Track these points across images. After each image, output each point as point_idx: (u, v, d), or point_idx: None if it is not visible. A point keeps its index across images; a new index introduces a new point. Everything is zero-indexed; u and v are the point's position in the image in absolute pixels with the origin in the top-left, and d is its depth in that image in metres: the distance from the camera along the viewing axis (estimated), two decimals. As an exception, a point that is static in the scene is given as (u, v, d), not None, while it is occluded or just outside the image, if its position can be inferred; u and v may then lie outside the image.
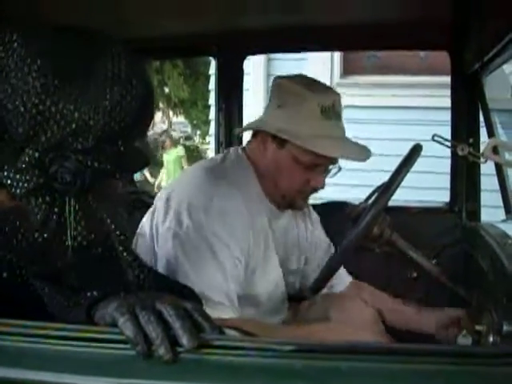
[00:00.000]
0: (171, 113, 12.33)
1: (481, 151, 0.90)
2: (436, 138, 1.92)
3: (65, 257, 0.93)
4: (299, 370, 0.76)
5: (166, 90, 10.36)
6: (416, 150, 1.75)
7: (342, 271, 1.88)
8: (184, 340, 0.76)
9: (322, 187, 1.67)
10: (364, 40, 2.18)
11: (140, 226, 1.64)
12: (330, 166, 1.66)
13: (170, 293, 1.00)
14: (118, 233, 1.01)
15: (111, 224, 1.00)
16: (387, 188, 1.70)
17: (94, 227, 0.97)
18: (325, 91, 1.65)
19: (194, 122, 11.49)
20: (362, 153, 1.66)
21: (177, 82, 9.79)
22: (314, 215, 1.90)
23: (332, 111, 1.61)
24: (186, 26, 2.03)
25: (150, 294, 0.89)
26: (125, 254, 1.03)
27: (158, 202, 1.60)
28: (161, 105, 10.99)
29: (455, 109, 2.14)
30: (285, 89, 1.63)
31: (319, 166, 1.62)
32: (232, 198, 1.54)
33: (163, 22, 1.96)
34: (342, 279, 1.90)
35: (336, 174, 1.68)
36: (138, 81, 0.94)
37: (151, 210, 1.62)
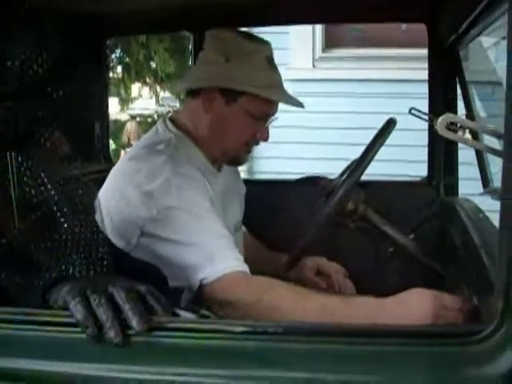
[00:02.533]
0: (158, 88, 12.20)
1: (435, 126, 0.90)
2: (413, 112, 1.91)
3: (10, 220, 0.91)
4: (252, 351, 0.76)
5: (153, 65, 10.25)
6: (389, 124, 1.74)
7: None
8: (134, 323, 0.75)
9: (267, 139, 1.72)
10: (341, 13, 2.15)
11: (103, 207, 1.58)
12: (270, 119, 1.71)
13: (133, 271, 1.00)
14: (56, 198, 0.99)
15: (52, 188, 0.98)
16: (360, 163, 1.69)
17: (36, 187, 0.95)
18: (264, 42, 1.70)
19: (181, 96, 11.38)
20: (297, 101, 1.73)
21: (163, 57, 9.68)
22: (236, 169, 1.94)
23: (273, 61, 1.68)
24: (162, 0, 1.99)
25: (104, 277, 0.88)
26: (65, 224, 1.01)
27: (123, 201, 1.53)
28: (148, 80, 10.87)
29: (432, 82, 2.12)
30: (230, 43, 1.64)
31: (268, 117, 1.68)
32: (183, 170, 1.53)
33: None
34: None
35: (272, 121, 1.72)
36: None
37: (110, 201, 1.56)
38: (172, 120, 1.70)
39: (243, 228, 2.03)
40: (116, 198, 1.54)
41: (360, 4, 1.97)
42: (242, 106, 1.62)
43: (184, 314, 0.95)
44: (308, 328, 0.78)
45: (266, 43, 1.70)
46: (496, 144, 1.05)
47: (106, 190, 1.59)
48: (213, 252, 1.43)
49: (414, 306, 1.28)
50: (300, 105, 1.73)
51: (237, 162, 1.76)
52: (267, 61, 1.65)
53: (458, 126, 0.97)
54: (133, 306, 0.76)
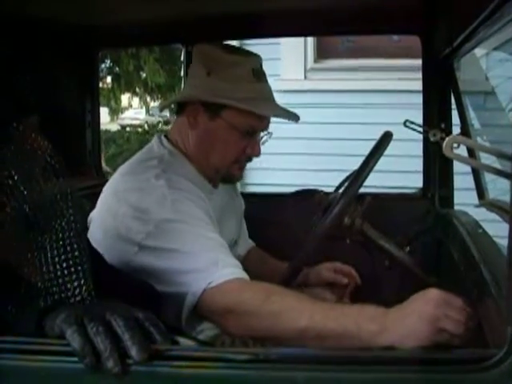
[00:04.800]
0: (148, 98, 12.20)
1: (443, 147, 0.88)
2: (408, 124, 1.90)
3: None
4: (254, 380, 0.74)
5: (143, 75, 10.26)
6: (386, 138, 1.72)
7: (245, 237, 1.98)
8: (133, 352, 0.73)
9: (258, 155, 1.67)
10: (334, 25, 2.14)
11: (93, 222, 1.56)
12: (262, 134, 1.67)
13: (126, 289, 0.98)
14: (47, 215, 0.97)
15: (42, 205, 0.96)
16: (357, 177, 1.68)
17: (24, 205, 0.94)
18: (251, 55, 1.67)
19: (172, 106, 11.39)
20: (292, 114, 1.70)
21: (153, 67, 9.70)
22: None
23: (261, 73, 1.64)
24: (154, 13, 1.98)
25: (101, 304, 0.86)
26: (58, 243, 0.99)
27: (109, 218, 1.51)
28: (138, 90, 10.88)
29: (427, 94, 2.11)
30: (212, 56, 1.62)
31: (254, 131, 1.63)
32: (178, 184, 1.51)
33: (131, 9, 1.90)
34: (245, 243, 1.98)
35: (267, 140, 1.69)
36: None
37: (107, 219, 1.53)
38: (166, 136, 1.69)
39: (251, 242, 2.01)
40: (111, 217, 1.51)
41: (353, 16, 1.97)
42: (226, 120, 1.59)
43: (184, 342, 0.93)
44: (310, 356, 0.76)
45: (253, 55, 1.67)
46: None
47: (100, 209, 1.56)
48: (217, 258, 1.40)
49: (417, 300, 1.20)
50: (295, 118, 1.70)
51: (230, 179, 1.72)
52: (253, 73, 1.61)
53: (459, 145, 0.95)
54: (132, 335, 0.74)
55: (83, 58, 2.23)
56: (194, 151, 1.64)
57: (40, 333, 0.81)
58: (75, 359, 0.75)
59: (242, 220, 1.99)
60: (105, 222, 1.51)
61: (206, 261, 1.40)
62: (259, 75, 1.63)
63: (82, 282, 1.04)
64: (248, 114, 1.58)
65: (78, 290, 0.98)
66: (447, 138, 0.88)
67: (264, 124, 1.65)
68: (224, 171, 1.66)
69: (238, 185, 4.58)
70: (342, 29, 2.28)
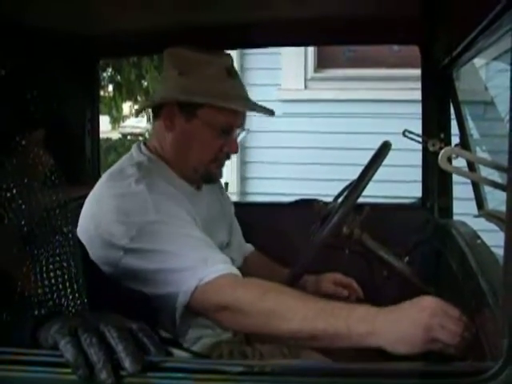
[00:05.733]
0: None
1: (439, 158, 0.88)
2: (407, 134, 1.90)
3: None
4: (249, 392, 0.73)
5: (145, 83, 10.28)
6: (384, 148, 1.72)
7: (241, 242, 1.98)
8: (127, 363, 0.73)
9: (236, 152, 1.69)
10: (334, 35, 2.14)
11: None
12: (238, 131, 1.68)
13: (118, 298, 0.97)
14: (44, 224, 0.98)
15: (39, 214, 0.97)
16: (356, 187, 1.67)
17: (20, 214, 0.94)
18: (223, 54, 1.71)
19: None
20: (266, 109, 1.72)
21: (153, 76, 9.73)
22: (221, 184, 1.93)
23: (234, 71, 1.68)
24: (153, 22, 1.98)
25: (95, 314, 0.85)
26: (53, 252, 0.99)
27: (102, 227, 1.50)
28: (139, 98, 10.90)
29: (426, 103, 2.11)
30: (183, 57, 1.64)
31: (231, 129, 1.64)
32: (158, 188, 1.52)
33: (130, 18, 1.91)
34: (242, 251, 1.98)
35: (245, 137, 1.69)
36: None
37: (90, 226, 1.52)
38: (145, 144, 1.70)
39: (250, 246, 2.01)
40: (93, 225, 1.51)
41: (353, 26, 1.97)
42: (202, 119, 1.60)
43: (178, 353, 0.92)
44: (307, 368, 0.75)
45: (224, 55, 1.70)
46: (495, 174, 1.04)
47: (83, 218, 1.56)
48: (206, 255, 1.41)
49: (413, 307, 1.21)
50: (270, 112, 1.72)
51: (209, 178, 1.72)
52: (227, 71, 1.64)
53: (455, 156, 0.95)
54: (126, 346, 0.73)
55: (83, 66, 2.24)
56: (172, 154, 1.65)
57: (34, 343, 0.80)
58: (68, 370, 0.74)
59: (234, 223, 1.98)
60: (89, 230, 1.51)
61: (195, 259, 1.40)
62: (232, 73, 1.66)
63: (77, 294, 1.03)
64: (224, 112, 1.60)
65: (72, 303, 0.97)
66: (442, 150, 0.88)
67: (240, 120, 1.67)
68: (202, 171, 1.67)
69: (238, 194, 4.61)
70: (341, 38, 2.28)
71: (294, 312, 1.27)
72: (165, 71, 1.72)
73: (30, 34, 1.72)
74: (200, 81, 1.60)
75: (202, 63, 1.62)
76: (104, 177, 1.63)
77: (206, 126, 1.61)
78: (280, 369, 0.73)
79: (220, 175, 1.73)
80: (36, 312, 0.84)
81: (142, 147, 1.68)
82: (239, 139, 1.70)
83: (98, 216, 1.51)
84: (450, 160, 0.99)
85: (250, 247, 2.04)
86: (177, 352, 0.86)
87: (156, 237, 1.43)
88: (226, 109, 1.59)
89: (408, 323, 1.17)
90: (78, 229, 1.54)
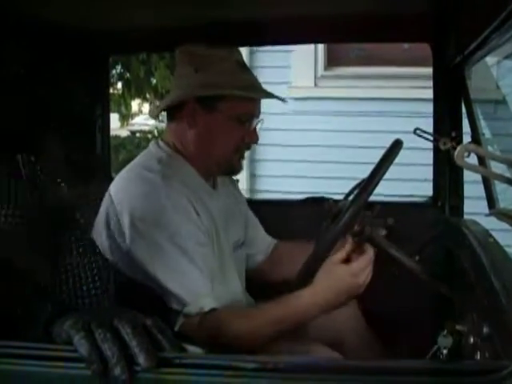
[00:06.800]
0: (158, 104, 12.15)
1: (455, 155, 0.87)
2: (418, 132, 1.89)
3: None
4: (262, 389, 0.73)
5: (154, 81, 10.27)
6: (396, 146, 1.71)
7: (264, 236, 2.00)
8: (141, 359, 0.73)
9: (257, 141, 1.73)
10: (344, 33, 2.14)
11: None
12: (256, 121, 1.72)
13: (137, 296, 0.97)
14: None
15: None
16: (366, 185, 1.66)
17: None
18: (233, 49, 1.75)
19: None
20: (280, 97, 1.79)
21: (163, 73, 9.72)
22: (234, 181, 1.97)
23: (245, 64, 1.74)
24: (163, 18, 1.99)
25: (109, 309, 0.85)
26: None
27: (113, 220, 1.56)
28: (148, 96, 10.89)
29: (437, 102, 2.10)
30: (198, 54, 1.67)
31: (251, 118, 1.69)
32: (176, 193, 1.55)
33: (140, 15, 1.91)
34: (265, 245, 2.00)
35: (261, 125, 1.74)
36: None
37: (104, 220, 1.59)
38: (162, 140, 1.72)
39: (272, 240, 2.02)
40: (106, 219, 1.56)
41: (363, 24, 1.96)
42: (222, 111, 1.64)
43: (192, 349, 0.92)
44: (318, 365, 0.75)
45: (235, 49, 1.74)
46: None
47: (101, 211, 1.60)
48: (193, 287, 1.48)
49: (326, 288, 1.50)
50: (281, 99, 1.77)
51: (232, 170, 1.76)
52: (238, 64, 1.70)
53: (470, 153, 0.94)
54: (139, 342, 0.73)
55: (93, 63, 2.24)
56: (194, 150, 1.67)
57: (47, 338, 0.80)
58: (82, 365, 0.74)
59: (251, 219, 1.99)
60: (106, 226, 1.56)
61: (183, 288, 1.47)
62: (244, 66, 1.73)
63: (93, 290, 1.04)
64: (243, 102, 1.65)
65: (87, 299, 0.98)
66: (459, 147, 0.88)
67: (258, 109, 1.72)
68: (225, 163, 1.70)
69: (249, 191, 4.60)
70: (351, 36, 2.27)
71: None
72: (179, 69, 1.73)
73: (42, 31, 1.73)
74: (217, 75, 1.63)
75: (217, 58, 1.65)
76: (123, 173, 1.66)
77: (227, 117, 1.64)
78: (293, 365, 0.73)
79: (241, 167, 1.76)
80: (50, 307, 0.85)
81: (161, 143, 1.70)
82: (258, 128, 1.73)
83: (113, 209, 1.55)
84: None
85: (273, 240, 2.04)
86: (190, 348, 0.87)
87: (155, 251, 1.49)
88: (245, 99, 1.65)
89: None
90: (96, 223, 1.57)
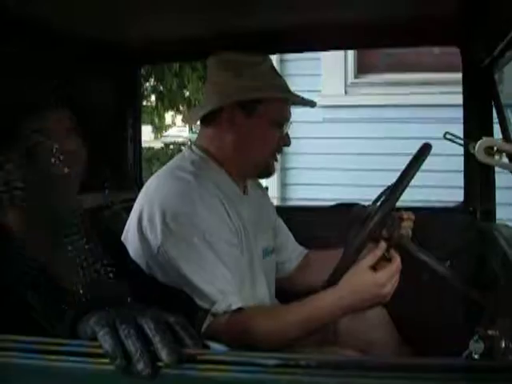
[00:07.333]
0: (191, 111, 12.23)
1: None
2: (448, 136, 1.87)
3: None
4: (284, 385, 0.73)
5: (187, 93, 10.36)
6: (425, 149, 1.70)
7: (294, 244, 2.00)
8: (163, 355, 0.74)
9: (289, 144, 1.76)
10: (372, 38, 2.13)
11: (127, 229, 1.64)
12: (288, 125, 1.75)
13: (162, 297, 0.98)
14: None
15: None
16: (395, 189, 1.65)
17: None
18: (265, 55, 1.79)
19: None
20: (312, 101, 1.82)
21: (196, 85, 9.79)
22: (263, 188, 1.99)
23: (276, 69, 1.79)
24: (193, 28, 2.00)
25: (133, 307, 0.87)
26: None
27: (145, 217, 1.58)
28: (181, 108, 10.99)
29: (467, 105, 2.08)
30: (234, 61, 1.70)
31: (286, 122, 1.72)
32: (208, 192, 1.58)
33: (170, 25, 1.93)
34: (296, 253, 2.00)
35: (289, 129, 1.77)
36: None
37: (136, 218, 1.61)
38: (196, 145, 1.74)
39: (303, 249, 2.02)
40: (139, 217, 1.58)
41: (391, 28, 1.96)
42: (262, 114, 1.66)
43: (214, 346, 0.93)
44: (342, 362, 0.75)
45: (266, 56, 1.79)
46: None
47: (133, 211, 1.64)
48: (221, 286, 1.49)
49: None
50: (311, 103, 1.80)
51: (268, 172, 1.77)
52: (273, 69, 1.74)
53: (495, 149, 0.93)
54: (162, 338, 0.74)
55: (124, 73, 2.27)
56: (231, 154, 1.69)
57: (73, 334, 0.82)
58: (106, 361, 0.75)
59: (280, 226, 1.99)
60: (133, 224, 1.59)
61: (214, 288, 1.48)
62: (276, 71, 1.78)
63: (116, 290, 1.06)
64: (279, 105, 1.69)
65: (111, 298, 1.00)
66: (479, 141, 0.86)
67: (290, 113, 1.75)
68: (263, 165, 1.73)
69: (279, 199, 4.58)
70: (379, 41, 2.26)
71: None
72: (214, 77, 1.75)
73: (73, 43, 1.77)
74: (255, 79, 1.66)
75: (253, 64, 1.69)
76: (157, 175, 1.69)
77: (266, 120, 1.67)
78: (315, 362, 0.73)
79: (274, 170, 1.78)
80: (76, 304, 0.86)
81: (194, 148, 1.73)
82: (289, 132, 1.76)
83: (146, 209, 1.58)
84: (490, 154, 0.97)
85: (304, 249, 2.05)
86: (213, 345, 0.87)
87: (188, 251, 1.51)
88: (281, 101, 1.69)
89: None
90: (129, 224, 1.59)
